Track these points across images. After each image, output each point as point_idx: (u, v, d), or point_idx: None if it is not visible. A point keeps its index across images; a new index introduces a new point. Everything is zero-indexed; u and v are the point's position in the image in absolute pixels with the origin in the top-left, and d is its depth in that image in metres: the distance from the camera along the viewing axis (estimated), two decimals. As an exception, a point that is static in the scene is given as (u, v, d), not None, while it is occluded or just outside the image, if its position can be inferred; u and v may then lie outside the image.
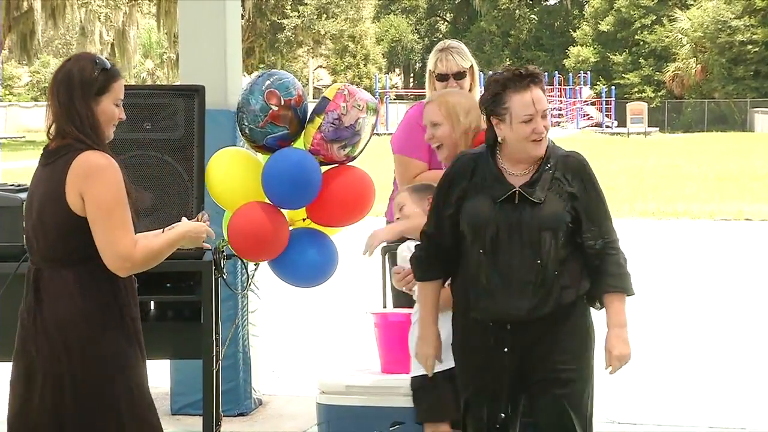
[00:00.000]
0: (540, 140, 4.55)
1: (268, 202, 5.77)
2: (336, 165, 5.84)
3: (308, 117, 5.75)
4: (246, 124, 5.70)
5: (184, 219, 4.36)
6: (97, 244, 4.07)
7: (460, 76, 5.80)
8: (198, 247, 4.38)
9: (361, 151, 5.85)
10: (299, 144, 5.79)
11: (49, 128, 4.19)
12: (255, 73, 5.92)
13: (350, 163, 5.88)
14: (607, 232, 4.60)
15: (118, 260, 4.06)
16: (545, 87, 4.64)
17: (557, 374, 4.59)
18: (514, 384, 4.65)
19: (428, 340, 4.67)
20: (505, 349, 4.59)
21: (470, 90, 5.84)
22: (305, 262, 5.85)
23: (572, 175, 4.58)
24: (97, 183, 4.06)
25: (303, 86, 5.88)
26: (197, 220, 4.40)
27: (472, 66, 5.88)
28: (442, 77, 5.81)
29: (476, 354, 4.66)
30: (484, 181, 4.59)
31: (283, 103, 5.66)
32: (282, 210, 5.81)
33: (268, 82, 5.70)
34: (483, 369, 4.64)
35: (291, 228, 5.91)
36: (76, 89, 4.11)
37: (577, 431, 4.61)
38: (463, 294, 4.66)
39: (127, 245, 4.06)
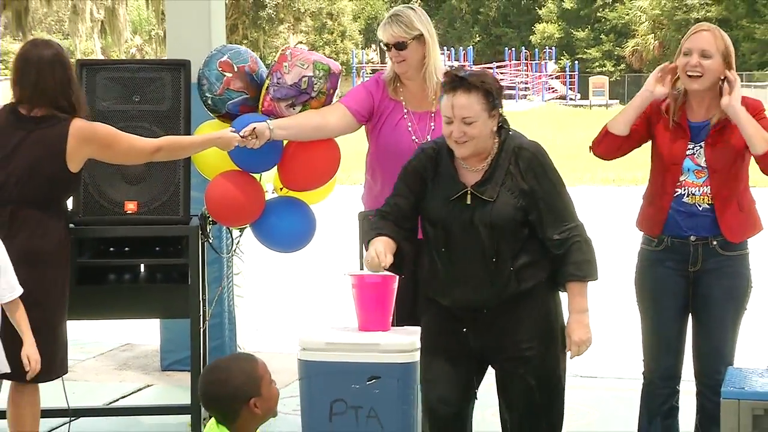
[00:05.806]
0: (459, 143, 4.41)
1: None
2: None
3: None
4: (207, 95, 5.64)
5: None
6: None
7: (400, 46, 5.28)
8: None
9: None
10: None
11: None
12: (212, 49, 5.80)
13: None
14: (567, 220, 4.45)
15: None
16: (495, 88, 4.41)
17: (521, 353, 4.50)
18: (471, 363, 4.60)
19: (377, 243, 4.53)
20: (464, 329, 4.56)
21: (423, 60, 5.29)
22: (283, 228, 5.83)
23: (525, 169, 4.43)
24: None
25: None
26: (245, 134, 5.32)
27: (422, 35, 5.27)
28: (387, 46, 5.35)
29: (437, 327, 4.63)
30: (442, 177, 4.51)
31: (236, 69, 5.58)
32: (257, 178, 5.77)
33: (220, 54, 5.65)
34: (444, 349, 4.58)
35: (276, 195, 5.91)
36: None
37: (547, 406, 4.56)
38: (424, 280, 4.63)
39: None
